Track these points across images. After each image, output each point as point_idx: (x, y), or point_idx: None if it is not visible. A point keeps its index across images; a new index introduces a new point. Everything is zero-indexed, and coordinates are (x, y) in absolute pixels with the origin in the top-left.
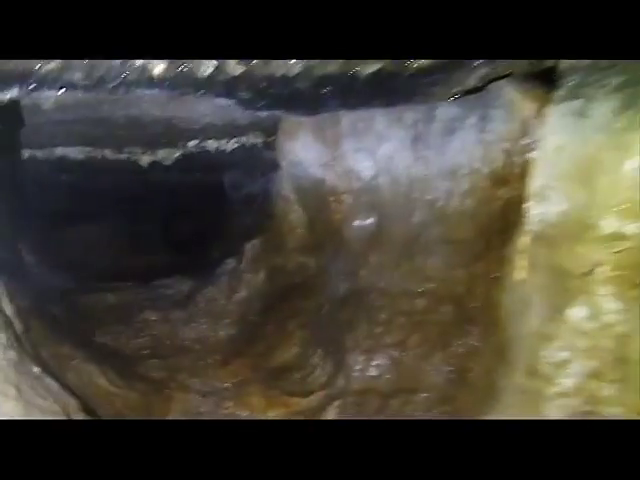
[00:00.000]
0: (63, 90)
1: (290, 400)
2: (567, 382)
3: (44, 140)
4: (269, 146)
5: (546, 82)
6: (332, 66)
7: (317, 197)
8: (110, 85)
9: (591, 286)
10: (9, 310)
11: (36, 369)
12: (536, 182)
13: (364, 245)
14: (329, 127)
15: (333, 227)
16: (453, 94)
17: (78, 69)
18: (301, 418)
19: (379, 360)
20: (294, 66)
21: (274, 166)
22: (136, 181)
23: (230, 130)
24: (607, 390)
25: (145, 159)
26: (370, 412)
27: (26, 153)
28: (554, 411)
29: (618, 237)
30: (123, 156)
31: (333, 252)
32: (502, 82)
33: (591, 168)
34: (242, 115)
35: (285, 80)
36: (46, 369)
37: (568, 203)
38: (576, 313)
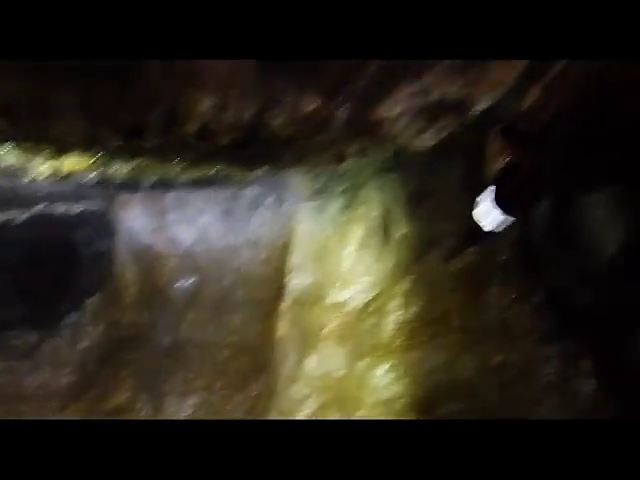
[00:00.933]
0: None
1: None
2: (304, 414)
3: None
4: (110, 211)
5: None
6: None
7: (147, 260)
8: None
9: (322, 340)
10: None
11: None
12: (293, 259)
13: (184, 303)
14: (156, 201)
15: (160, 286)
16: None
17: None
18: None
19: (191, 401)
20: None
21: (115, 229)
22: None
23: (75, 196)
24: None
25: None
26: None
27: None
28: None
29: (340, 303)
30: None
31: (160, 308)
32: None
33: (325, 251)
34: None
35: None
36: None
37: (312, 277)
38: (312, 361)
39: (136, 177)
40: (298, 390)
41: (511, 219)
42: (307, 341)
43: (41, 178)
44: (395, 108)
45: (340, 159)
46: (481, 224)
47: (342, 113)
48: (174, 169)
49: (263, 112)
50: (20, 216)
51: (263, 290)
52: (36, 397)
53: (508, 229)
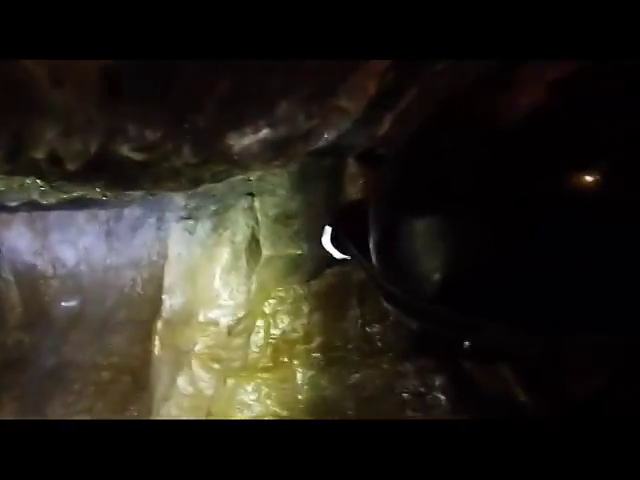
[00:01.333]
0: None
1: None
2: None
3: None
4: None
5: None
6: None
7: (30, 280)
8: None
9: (192, 360)
10: None
11: None
12: (167, 280)
13: (67, 324)
14: (38, 220)
15: (43, 307)
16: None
17: None
18: None
19: None
20: None
21: None
22: None
23: None
24: None
25: None
26: None
27: None
28: None
29: (208, 324)
30: None
31: (43, 330)
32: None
33: (195, 272)
34: None
35: None
36: None
37: (183, 297)
38: (183, 380)
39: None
40: (169, 410)
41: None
42: (179, 361)
43: None
44: (242, 139)
45: (196, 183)
46: (330, 252)
47: (188, 141)
48: (38, 191)
49: (109, 140)
50: None
51: (144, 310)
52: None
53: None
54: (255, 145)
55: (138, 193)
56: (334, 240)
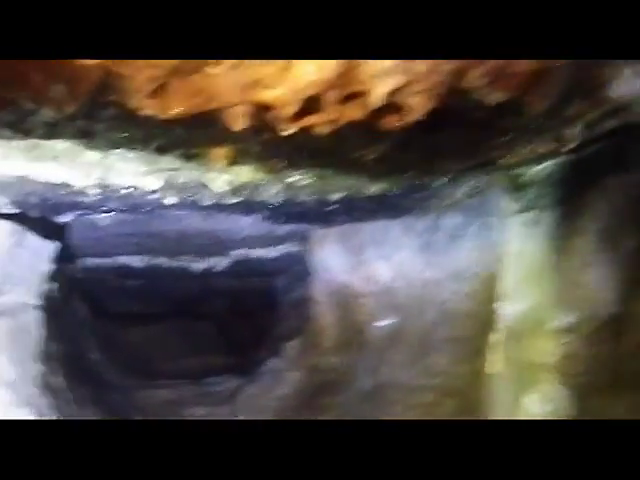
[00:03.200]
0: (107, 214)
1: None
2: None
3: (107, 250)
4: (307, 253)
5: (514, 195)
6: (336, 186)
7: (344, 300)
8: (142, 210)
9: (544, 375)
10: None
11: None
12: (504, 284)
13: (384, 343)
14: (352, 237)
15: (358, 327)
16: (446, 206)
17: (114, 199)
18: None
19: None
20: (300, 190)
21: (312, 270)
22: (192, 286)
23: (270, 240)
24: None
25: (196, 266)
26: None
27: (92, 261)
28: None
29: (564, 330)
30: (177, 264)
31: (358, 350)
32: (493, 193)
33: (542, 271)
34: (277, 227)
35: (294, 200)
36: None
37: (526, 302)
38: (532, 401)
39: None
40: None
41: None
42: (524, 377)
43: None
44: None
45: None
46: None
47: None
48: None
49: None
50: (220, 263)
51: (468, 326)
52: None
53: None
54: None
55: (459, 197)
56: None
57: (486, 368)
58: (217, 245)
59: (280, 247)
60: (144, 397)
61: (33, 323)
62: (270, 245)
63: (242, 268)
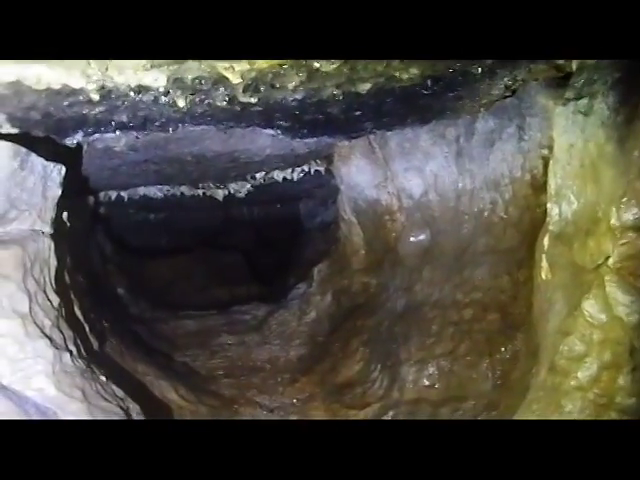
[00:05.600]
0: (118, 132)
1: (349, 412)
2: (584, 375)
3: (126, 181)
4: (331, 173)
5: (560, 85)
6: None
7: (374, 218)
8: (156, 124)
9: (602, 279)
10: (86, 327)
11: (103, 377)
12: (553, 183)
13: (418, 261)
14: (379, 149)
15: (389, 245)
16: (481, 106)
17: (122, 110)
18: None
19: (430, 370)
20: (324, 90)
21: (338, 189)
22: (216, 217)
23: (292, 160)
24: (622, 381)
25: (220, 193)
26: None
27: (113, 194)
28: (571, 405)
29: (625, 228)
30: (199, 192)
31: (390, 270)
32: (531, 90)
33: (597, 163)
34: (299, 145)
35: (318, 104)
36: (113, 378)
37: (580, 200)
38: (590, 307)
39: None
40: (572, 347)
41: None
42: (580, 282)
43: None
44: None
45: None
46: None
47: None
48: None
49: None
50: (242, 189)
51: (508, 236)
52: (266, 370)
53: None
54: None
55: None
56: None
57: (532, 278)
58: (238, 168)
59: (302, 168)
60: (172, 328)
61: (46, 252)
62: (291, 166)
63: (265, 193)
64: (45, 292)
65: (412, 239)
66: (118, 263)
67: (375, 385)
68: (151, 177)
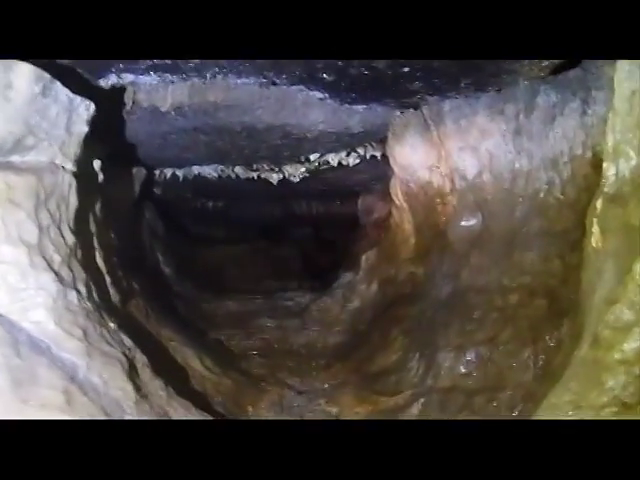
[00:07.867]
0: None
1: (379, 399)
2: (630, 347)
3: (177, 152)
4: (388, 161)
5: None
6: None
7: (425, 201)
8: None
9: None
10: (107, 278)
11: (112, 324)
12: (611, 139)
13: (467, 245)
14: (434, 126)
15: (439, 230)
16: (540, 70)
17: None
18: (385, 416)
19: (468, 357)
20: None
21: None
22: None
23: (346, 139)
24: None
25: (274, 177)
26: (453, 410)
27: (168, 172)
28: (613, 381)
29: None
30: (254, 174)
31: (438, 256)
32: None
33: None
34: (354, 121)
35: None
36: (125, 329)
37: None
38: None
39: None
40: (619, 316)
41: None
42: (633, 245)
43: None
44: None
45: None
46: None
47: None
48: None
49: None
50: (296, 172)
51: (564, 218)
52: (302, 355)
53: None
54: None
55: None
56: None
57: (584, 261)
58: (290, 146)
59: (360, 149)
60: (212, 308)
61: (66, 188)
62: (345, 149)
63: (321, 179)
64: (60, 228)
65: (463, 223)
66: (168, 243)
67: (410, 373)
68: (202, 150)
